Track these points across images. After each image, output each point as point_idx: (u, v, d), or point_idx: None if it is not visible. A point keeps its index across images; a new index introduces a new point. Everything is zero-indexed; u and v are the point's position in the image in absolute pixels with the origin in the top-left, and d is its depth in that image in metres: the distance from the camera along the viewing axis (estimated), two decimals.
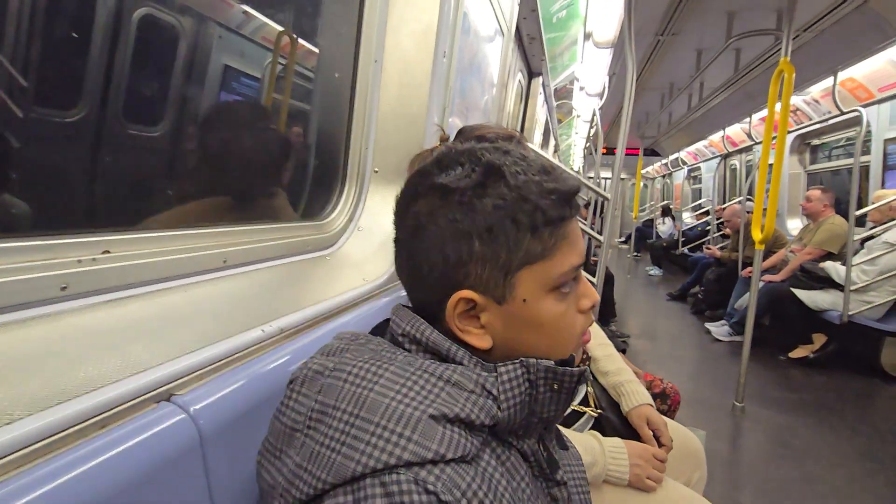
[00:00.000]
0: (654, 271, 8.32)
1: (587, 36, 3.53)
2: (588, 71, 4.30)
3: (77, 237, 0.59)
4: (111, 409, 0.47)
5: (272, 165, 1.19)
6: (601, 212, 7.39)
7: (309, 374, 0.48)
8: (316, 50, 1.25)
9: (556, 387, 0.49)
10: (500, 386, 0.47)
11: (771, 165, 2.88)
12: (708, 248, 6.10)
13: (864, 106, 4.04)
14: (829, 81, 3.92)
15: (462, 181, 0.49)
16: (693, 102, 5.84)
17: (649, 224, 10.31)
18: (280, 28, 1.07)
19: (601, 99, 4.90)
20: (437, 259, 0.49)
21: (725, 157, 7.16)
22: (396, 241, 0.55)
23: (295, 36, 1.11)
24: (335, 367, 0.47)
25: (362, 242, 1.28)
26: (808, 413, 2.92)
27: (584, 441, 1.00)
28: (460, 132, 1.15)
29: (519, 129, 4.35)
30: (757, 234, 2.80)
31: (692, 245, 7.90)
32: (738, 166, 7.35)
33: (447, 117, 1.44)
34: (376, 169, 1.34)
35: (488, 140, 1.07)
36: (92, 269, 0.59)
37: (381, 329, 0.60)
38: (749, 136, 6.02)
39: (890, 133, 3.91)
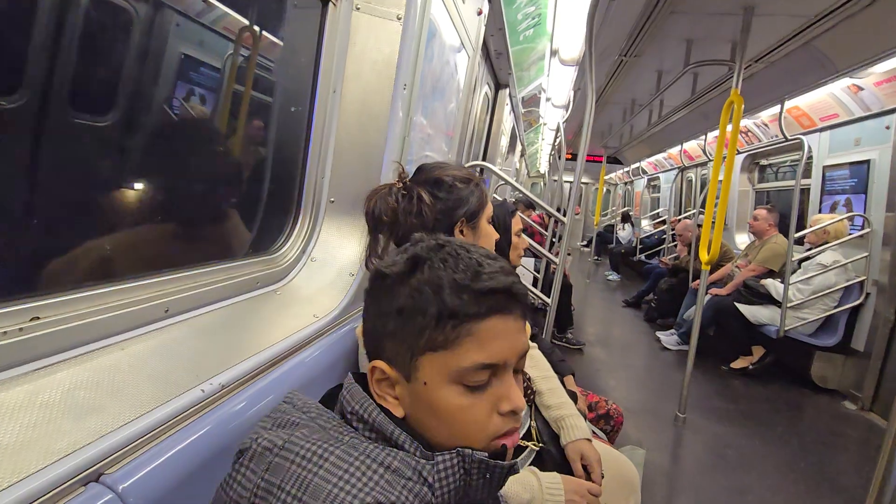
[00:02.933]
0: (613, 276, 8.60)
1: (553, 52, 3.61)
2: (554, 84, 4.39)
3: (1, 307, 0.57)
4: (33, 501, 0.46)
5: (226, 188, 1.17)
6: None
7: (258, 450, 0.49)
8: (273, 78, 1.24)
9: (488, 476, 0.53)
10: (437, 475, 0.51)
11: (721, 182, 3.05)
12: (662, 262, 6.36)
13: (807, 133, 4.31)
14: (776, 108, 4.15)
15: (392, 268, 0.56)
16: (653, 118, 6.05)
17: (610, 229, 10.64)
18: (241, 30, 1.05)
19: (566, 111, 5.01)
20: (367, 328, 0.60)
21: (682, 170, 7.46)
22: None
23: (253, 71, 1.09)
24: (284, 444, 0.48)
25: (315, 274, 1.28)
26: (744, 423, 3.12)
27: (522, 478, 1.05)
28: (419, 170, 1.16)
29: (485, 137, 4.40)
30: (703, 255, 2.95)
31: (649, 252, 8.21)
32: (693, 179, 7.68)
33: (406, 147, 1.45)
34: (332, 199, 1.34)
35: (445, 180, 1.09)
36: (18, 340, 0.58)
37: (332, 397, 0.62)
38: (704, 152, 6.30)
39: (829, 160, 4.19)
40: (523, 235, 1.72)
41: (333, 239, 1.33)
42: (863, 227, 3.74)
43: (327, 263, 1.31)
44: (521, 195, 4.79)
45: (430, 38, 1.54)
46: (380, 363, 0.56)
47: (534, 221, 4.45)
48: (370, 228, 1.04)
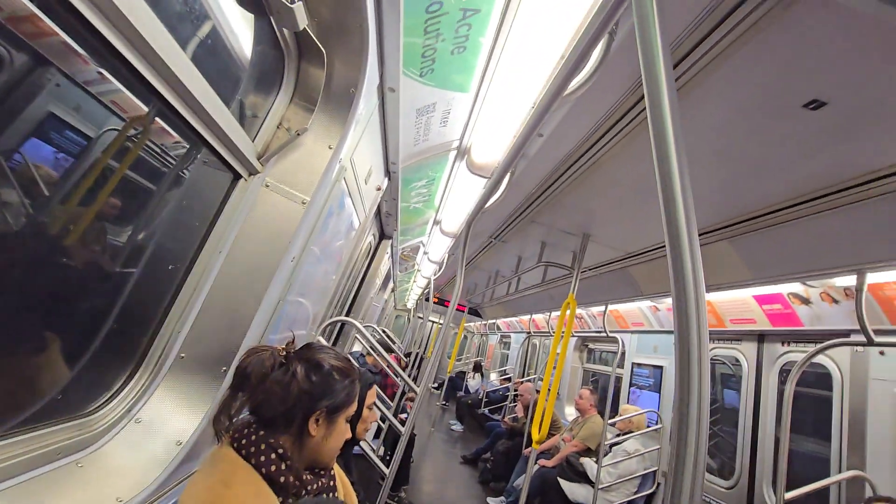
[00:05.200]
0: (457, 426, 8.67)
1: (437, 222, 4.09)
2: (433, 245, 4.87)
3: None
4: None
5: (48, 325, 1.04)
6: (417, 365, 7.73)
7: None
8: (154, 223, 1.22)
9: None
10: None
11: (558, 355, 3.50)
12: (504, 421, 6.68)
13: (622, 332, 5.26)
14: (602, 307, 5.08)
15: None
16: (511, 289, 6.92)
17: (462, 376, 11.02)
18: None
19: (440, 268, 5.51)
20: None
21: (529, 336, 8.36)
22: None
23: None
24: None
25: (136, 439, 1.14)
26: None
27: None
28: (307, 346, 1.16)
29: (360, 277, 4.55)
30: (535, 433, 3.22)
31: (493, 407, 8.58)
32: (538, 346, 8.58)
33: (277, 314, 1.48)
34: (183, 354, 1.27)
35: (324, 367, 1.11)
36: None
37: None
38: (548, 325, 7.21)
39: (636, 358, 5.12)
40: (374, 408, 1.75)
41: (170, 399, 1.22)
42: (657, 423, 4.46)
43: (154, 427, 1.17)
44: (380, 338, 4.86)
45: (329, 215, 1.68)
46: None
47: (392, 361, 4.49)
48: (234, 384, 1.01)
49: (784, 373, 3.38)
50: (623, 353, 5.26)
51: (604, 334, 5.32)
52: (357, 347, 5.27)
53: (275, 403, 1.02)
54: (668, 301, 4.26)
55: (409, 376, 4.68)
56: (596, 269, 4.39)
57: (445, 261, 5.30)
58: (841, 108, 1.54)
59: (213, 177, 1.29)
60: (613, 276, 4.33)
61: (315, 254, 1.75)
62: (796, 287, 2.84)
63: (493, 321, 10.98)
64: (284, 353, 1.08)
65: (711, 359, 4.28)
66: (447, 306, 7.62)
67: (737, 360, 3.80)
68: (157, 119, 1.01)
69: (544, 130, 1.92)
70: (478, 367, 10.70)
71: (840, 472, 2.71)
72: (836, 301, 2.62)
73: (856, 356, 2.68)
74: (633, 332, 5.25)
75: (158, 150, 1.09)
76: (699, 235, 2.89)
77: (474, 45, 1.51)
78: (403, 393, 4.91)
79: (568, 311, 3.50)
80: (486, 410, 8.48)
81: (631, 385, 5.13)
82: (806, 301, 2.84)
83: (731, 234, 2.63)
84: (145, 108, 0.96)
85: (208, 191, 1.29)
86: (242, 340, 1.33)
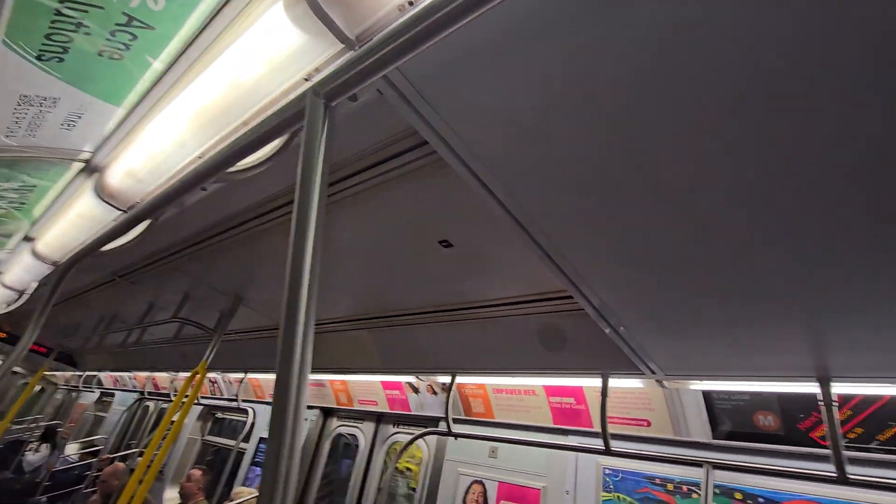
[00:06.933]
0: None
1: (29, 238, 2.92)
2: (14, 266, 3.45)
3: None
4: None
5: None
6: None
7: None
8: None
9: None
10: None
11: (172, 424, 2.90)
12: None
13: (257, 402, 4.95)
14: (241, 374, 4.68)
15: None
16: (131, 339, 5.58)
17: (16, 447, 7.76)
18: None
19: (19, 297, 3.94)
20: None
21: (143, 397, 6.83)
22: None
23: None
24: None
25: None
26: None
27: None
28: None
29: None
30: None
31: (56, 493, 6.32)
32: (151, 410, 7.09)
33: None
34: None
35: None
36: None
37: None
38: (173, 386, 6.10)
39: (266, 432, 4.85)
40: None
41: None
42: None
43: None
44: None
45: None
46: None
47: None
48: None
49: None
50: (252, 425, 4.90)
51: (234, 404, 4.88)
52: None
53: None
54: (312, 376, 4.30)
55: None
56: (245, 333, 4.05)
57: (32, 290, 3.82)
58: (461, 250, 1.96)
59: None
60: (260, 344, 4.09)
61: None
62: (412, 378, 3.37)
63: (95, 373, 8.48)
64: None
65: (338, 434, 4.48)
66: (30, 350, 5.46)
67: (356, 437, 4.11)
68: None
69: (210, 187, 1.66)
70: (49, 435, 7.80)
71: None
72: (435, 393, 3.22)
73: (440, 440, 3.32)
74: (269, 402, 5.02)
75: None
76: (345, 322, 3.09)
77: (139, 60, 1.17)
78: None
79: (197, 377, 3.03)
80: (44, 499, 6.14)
81: (253, 463, 4.77)
82: (416, 390, 3.38)
83: (371, 325, 2.92)
84: None
85: None
86: None
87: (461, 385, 3.12)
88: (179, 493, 4.41)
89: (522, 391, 2.99)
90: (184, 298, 3.65)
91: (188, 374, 5.18)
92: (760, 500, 2.32)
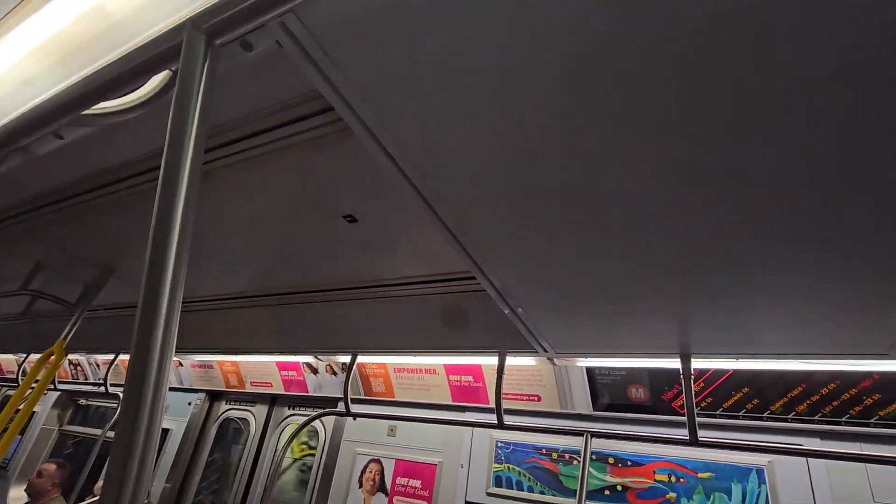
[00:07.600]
0: None
1: None
2: None
3: None
4: None
5: None
6: None
7: None
8: None
9: None
10: None
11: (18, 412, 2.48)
12: None
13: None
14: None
15: None
16: None
17: None
18: None
19: None
20: None
21: None
22: None
23: None
24: None
25: None
26: None
27: None
28: None
29: None
30: None
31: None
32: None
33: None
34: None
35: None
36: None
37: None
38: (21, 370, 5.24)
39: None
40: None
41: None
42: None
43: None
44: None
45: None
46: None
47: None
48: None
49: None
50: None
51: (102, 390, 4.33)
52: None
53: None
54: (197, 357, 3.95)
55: None
56: (118, 310, 3.56)
57: None
58: (366, 226, 1.89)
59: None
60: (121, 320, 3.64)
61: None
62: (310, 358, 3.23)
63: None
64: None
65: (227, 419, 4.18)
66: None
67: (247, 420, 3.87)
68: None
69: (67, 135, 1.39)
70: None
71: None
72: (335, 373, 3.13)
73: (339, 421, 3.24)
74: None
75: None
76: (237, 299, 2.86)
77: None
78: None
79: (52, 358, 2.62)
80: None
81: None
82: (314, 371, 3.25)
83: (267, 303, 2.73)
84: None
85: None
86: None
87: (361, 365, 3.07)
88: (26, 490, 3.84)
89: (423, 370, 3.02)
90: (36, 267, 3.11)
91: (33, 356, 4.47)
92: (629, 462, 2.61)
